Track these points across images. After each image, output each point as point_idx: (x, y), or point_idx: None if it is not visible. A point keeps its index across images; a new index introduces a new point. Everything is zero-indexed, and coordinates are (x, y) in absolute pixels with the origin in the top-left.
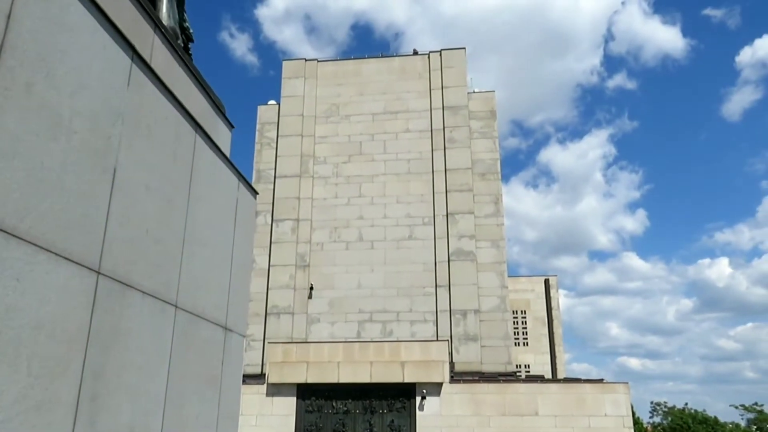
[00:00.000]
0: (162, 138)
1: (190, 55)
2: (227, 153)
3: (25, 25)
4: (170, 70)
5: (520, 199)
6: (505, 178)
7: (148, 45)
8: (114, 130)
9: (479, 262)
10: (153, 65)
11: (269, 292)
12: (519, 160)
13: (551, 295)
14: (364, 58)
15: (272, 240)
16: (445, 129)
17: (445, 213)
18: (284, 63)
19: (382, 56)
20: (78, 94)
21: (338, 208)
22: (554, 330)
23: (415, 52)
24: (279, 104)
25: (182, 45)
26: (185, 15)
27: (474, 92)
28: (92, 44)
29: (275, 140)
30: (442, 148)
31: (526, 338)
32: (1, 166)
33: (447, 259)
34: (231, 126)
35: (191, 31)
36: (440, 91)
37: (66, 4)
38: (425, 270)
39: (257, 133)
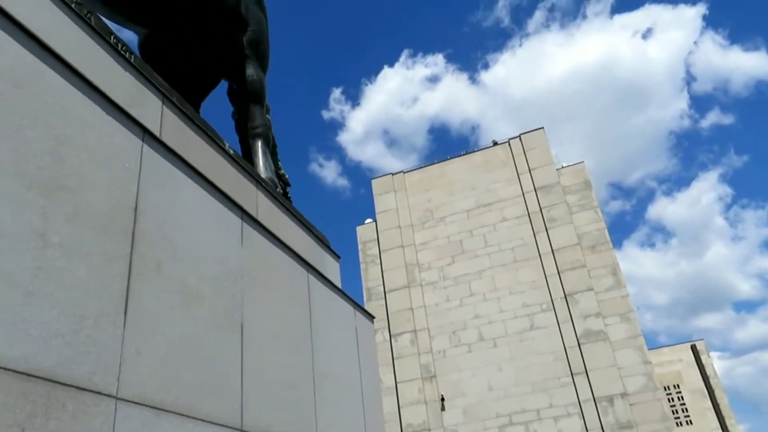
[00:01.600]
0: (278, 285)
1: (289, 198)
2: (338, 283)
3: (150, 213)
4: (275, 219)
5: (639, 263)
6: (617, 244)
7: (252, 201)
8: (236, 288)
9: (612, 341)
10: (260, 219)
11: (401, 410)
12: (627, 223)
13: (703, 361)
14: (447, 159)
15: (394, 355)
16: (542, 210)
17: (562, 295)
18: (373, 181)
19: (464, 154)
20: (200, 262)
21: (452, 312)
22: (718, 401)
23: (495, 143)
24: (375, 221)
25: (281, 191)
26: (279, 163)
27: (563, 167)
28: (207, 214)
29: (378, 256)
30: (544, 229)
31: (688, 416)
32: (144, 346)
33: (577, 343)
34: (337, 257)
35: (287, 176)
36: (528, 174)
37: (181, 186)
38: (556, 359)
39: (360, 252)
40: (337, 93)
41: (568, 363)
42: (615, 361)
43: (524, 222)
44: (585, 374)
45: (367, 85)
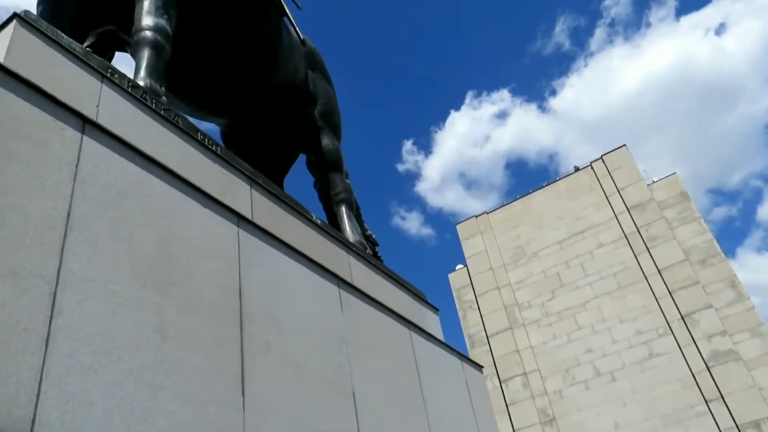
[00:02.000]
0: (383, 347)
1: (379, 258)
2: (440, 336)
3: (253, 294)
4: (370, 281)
5: (759, 270)
6: (730, 253)
7: (346, 266)
8: (342, 356)
9: (746, 359)
10: (355, 283)
11: None
12: (737, 229)
13: None
14: (529, 193)
15: (507, 402)
16: (640, 230)
17: (679, 317)
18: (458, 227)
19: (546, 185)
20: (306, 334)
21: (562, 349)
22: None
23: (577, 168)
24: (466, 266)
25: (371, 252)
26: (365, 224)
27: (654, 182)
28: (305, 287)
29: (475, 301)
30: (645, 249)
31: None
32: (265, 425)
33: (705, 366)
34: (436, 309)
35: (374, 236)
36: (617, 194)
37: (278, 264)
38: (684, 387)
39: (456, 300)
40: (408, 145)
41: (699, 390)
42: (753, 381)
43: (622, 245)
44: (721, 400)
45: (436, 132)
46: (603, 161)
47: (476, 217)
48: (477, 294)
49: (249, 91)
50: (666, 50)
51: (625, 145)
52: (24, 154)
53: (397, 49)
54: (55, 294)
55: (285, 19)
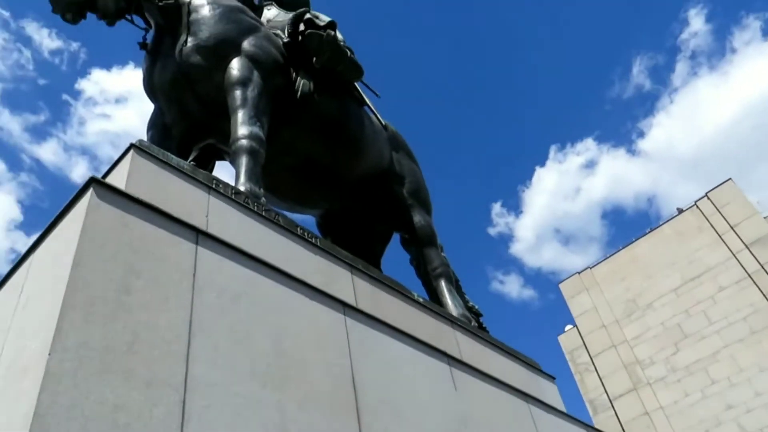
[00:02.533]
0: (502, 423)
1: (485, 329)
2: (560, 406)
3: (366, 382)
4: (479, 355)
5: None
6: None
7: (453, 342)
8: None
9: None
10: (465, 359)
11: None
12: None
13: None
14: (633, 242)
15: None
16: (764, 266)
17: None
18: (561, 286)
19: (650, 231)
20: (422, 418)
21: (697, 407)
22: None
23: (680, 210)
24: (575, 326)
25: (476, 324)
26: (465, 296)
27: None
28: (416, 368)
29: (591, 363)
30: None
31: None
32: None
33: None
34: (552, 378)
35: (476, 307)
36: (731, 232)
37: (387, 348)
38: None
39: (569, 363)
40: (497, 207)
41: None
42: None
43: (747, 285)
44: None
45: (524, 191)
46: (709, 198)
47: (579, 273)
48: (592, 355)
49: (338, 181)
50: (758, 73)
51: (730, 178)
52: (148, 270)
53: (474, 113)
54: (184, 401)
55: (365, 108)
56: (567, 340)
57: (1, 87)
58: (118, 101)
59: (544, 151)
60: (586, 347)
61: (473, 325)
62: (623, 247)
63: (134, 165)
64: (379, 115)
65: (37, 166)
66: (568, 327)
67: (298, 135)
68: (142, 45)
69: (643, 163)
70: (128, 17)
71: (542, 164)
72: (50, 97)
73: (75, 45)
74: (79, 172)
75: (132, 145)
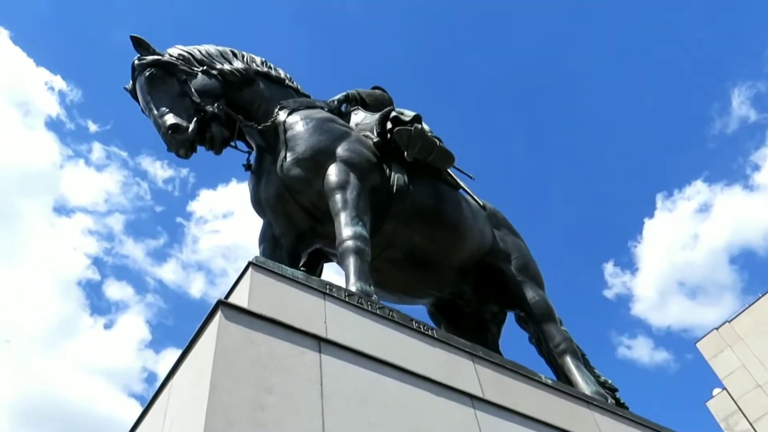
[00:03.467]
0: None
1: (623, 405)
2: None
3: None
4: None
5: None
6: None
7: (591, 424)
8: None
9: None
10: None
11: None
12: None
13: None
14: None
15: None
16: None
17: None
18: (698, 346)
19: None
20: None
21: None
22: None
23: None
24: (724, 388)
25: (613, 401)
26: (595, 371)
27: None
28: None
29: (752, 429)
30: None
31: None
32: None
33: None
34: None
35: (609, 381)
36: None
37: None
38: None
39: None
40: (609, 268)
41: None
42: None
43: None
44: None
45: (636, 246)
46: None
47: (717, 329)
48: (751, 420)
49: (444, 267)
50: None
51: None
52: (278, 385)
53: (569, 173)
54: None
55: (461, 191)
56: (717, 405)
57: (125, 219)
58: (225, 216)
59: (650, 202)
60: (742, 412)
61: (610, 402)
62: (763, 294)
63: (254, 281)
64: (475, 196)
65: (160, 286)
66: (717, 391)
67: (398, 227)
68: (247, 166)
69: (765, 198)
70: (232, 144)
71: (650, 215)
72: (166, 221)
73: (184, 171)
74: (198, 287)
75: (250, 263)
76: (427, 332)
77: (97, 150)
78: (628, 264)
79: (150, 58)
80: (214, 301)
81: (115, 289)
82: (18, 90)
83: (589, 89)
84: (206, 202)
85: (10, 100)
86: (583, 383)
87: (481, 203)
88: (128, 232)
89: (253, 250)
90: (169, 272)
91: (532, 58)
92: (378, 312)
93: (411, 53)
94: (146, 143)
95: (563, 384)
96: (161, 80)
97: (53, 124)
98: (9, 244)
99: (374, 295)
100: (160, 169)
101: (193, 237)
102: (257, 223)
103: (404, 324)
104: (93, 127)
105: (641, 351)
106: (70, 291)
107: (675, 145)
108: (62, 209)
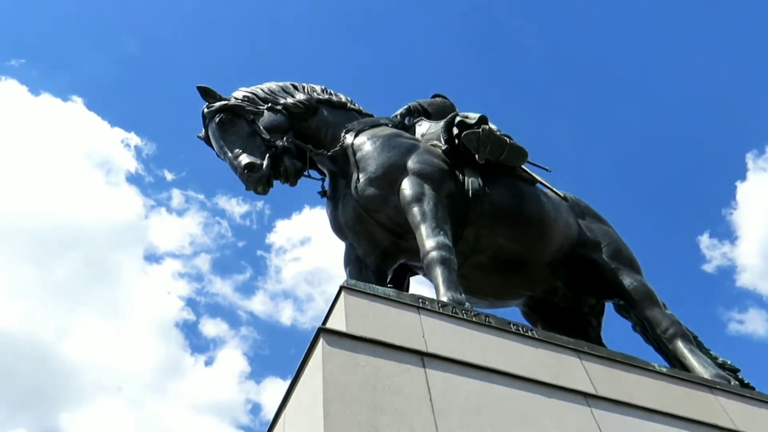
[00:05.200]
0: None
1: (749, 385)
2: None
3: None
4: (755, 419)
5: None
6: None
7: (719, 410)
8: None
9: None
10: (740, 428)
11: None
12: None
13: None
14: None
15: None
16: None
17: None
18: None
19: None
20: None
21: None
22: None
23: None
24: None
25: (737, 382)
26: (711, 352)
27: None
28: None
29: None
30: None
31: None
32: None
33: None
34: None
35: (729, 362)
36: None
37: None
38: None
39: None
40: (705, 240)
41: None
42: None
43: None
44: None
45: (731, 213)
46: None
47: None
48: None
49: (532, 266)
50: None
51: None
52: (389, 404)
53: (651, 146)
54: None
55: (539, 186)
56: None
57: (211, 258)
58: (303, 243)
59: (740, 163)
60: None
61: (734, 384)
62: None
63: (348, 304)
64: (554, 188)
65: (252, 318)
66: None
67: (480, 232)
68: (323, 193)
69: None
70: (305, 174)
71: (742, 178)
72: (249, 255)
73: (259, 204)
74: (287, 315)
75: (342, 287)
76: (527, 334)
77: (176, 196)
78: (726, 233)
79: (217, 104)
80: (307, 327)
81: (211, 327)
82: (98, 151)
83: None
84: (283, 232)
85: (93, 162)
86: (701, 367)
87: (562, 194)
88: (215, 270)
89: (336, 273)
90: (258, 304)
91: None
92: (474, 319)
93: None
94: (220, 183)
95: (679, 371)
96: (231, 123)
97: (133, 178)
98: (110, 297)
99: (467, 303)
100: (236, 206)
101: (276, 267)
102: (335, 245)
103: (502, 328)
104: (169, 176)
105: (755, 324)
106: (169, 333)
107: (756, 100)
108: (152, 257)
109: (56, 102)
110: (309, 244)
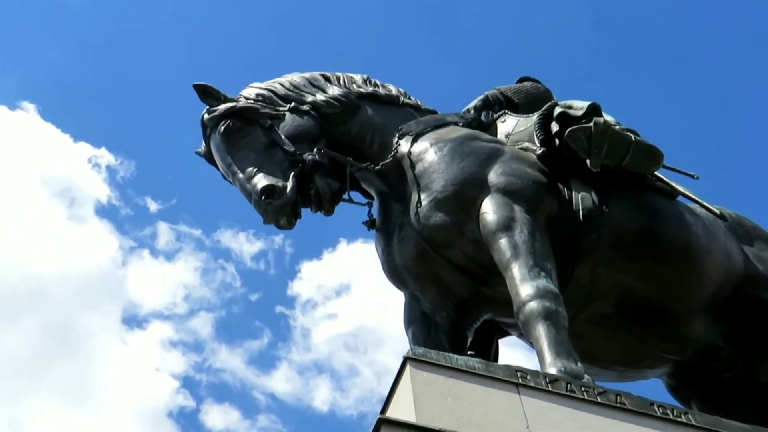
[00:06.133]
0: None
1: None
2: None
3: None
4: None
5: None
6: None
7: None
8: None
9: None
10: None
11: None
12: None
13: None
14: None
15: None
16: None
17: None
18: None
19: None
20: None
21: None
22: None
23: None
24: None
25: None
26: None
27: None
28: None
29: None
30: None
31: None
32: None
33: None
34: None
35: None
36: None
37: None
38: None
39: None
40: None
41: None
42: None
43: None
44: None
45: None
46: None
47: None
48: None
49: (676, 316)
50: None
51: None
52: None
53: None
54: None
55: (681, 199)
56: None
57: (213, 318)
58: (340, 293)
59: None
60: None
61: None
62: None
63: (417, 383)
64: (706, 203)
65: (273, 401)
66: None
67: (598, 270)
68: (370, 223)
69: None
70: (345, 197)
71: None
72: (265, 312)
73: (278, 240)
74: (323, 397)
75: (406, 359)
76: (679, 418)
77: (164, 233)
78: None
79: (222, 107)
80: (352, 414)
81: (217, 415)
82: (58, 176)
83: None
84: (312, 278)
85: (51, 191)
86: None
87: (717, 211)
88: (220, 335)
89: (388, 334)
90: (281, 381)
91: None
92: (599, 399)
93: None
94: (224, 213)
95: None
96: (241, 132)
97: (105, 211)
98: (77, 377)
99: (585, 376)
100: (246, 243)
101: (303, 328)
102: (388, 295)
103: (642, 411)
104: (153, 206)
105: None
106: (160, 427)
107: None
108: (133, 319)
109: (0, 111)
110: (348, 294)
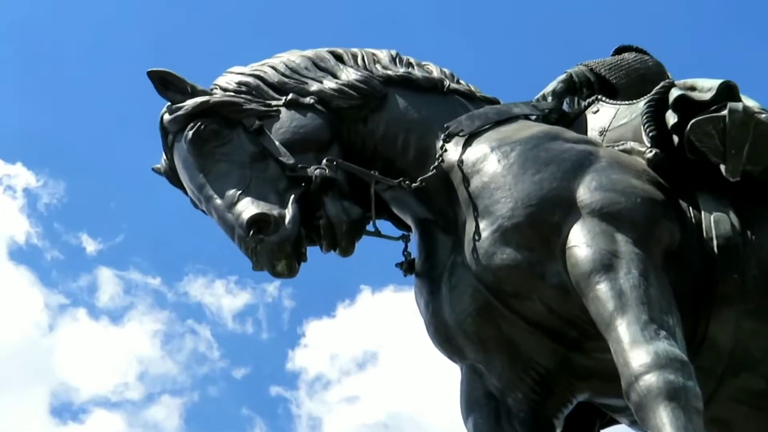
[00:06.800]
0: None
1: None
2: None
3: None
4: None
5: None
6: None
7: None
8: None
9: None
10: None
11: None
12: None
13: None
14: None
15: None
16: None
17: None
18: None
19: None
20: None
21: None
22: None
23: None
24: None
25: None
26: None
27: None
28: None
29: None
30: None
31: None
32: None
33: None
34: None
35: None
36: None
37: None
38: None
39: None
40: None
41: None
42: None
43: None
44: None
45: None
46: None
47: None
48: None
49: None
50: None
51: None
52: None
53: None
54: None
55: None
56: None
57: (181, 405)
58: (363, 365)
59: None
60: None
61: None
62: None
63: None
64: None
65: None
66: None
67: (743, 324)
68: (406, 266)
69: None
70: (369, 228)
71: None
72: (256, 395)
73: (271, 290)
74: None
75: None
76: None
77: (107, 284)
78: None
79: (190, 103)
80: None
81: None
82: None
83: None
84: (322, 345)
85: None
86: None
87: None
88: (191, 428)
89: (430, 423)
90: None
91: None
92: None
93: None
94: (192, 254)
95: None
96: (217, 138)
97: (23, 254)
98: None
99: None
100: (226, 296)
101: (311, 418)
102: (435, 366)
103: None
104: (91, 246)
105: None
106: None
107: None
108: (65, 409)
109: None
110: (374, 367)
